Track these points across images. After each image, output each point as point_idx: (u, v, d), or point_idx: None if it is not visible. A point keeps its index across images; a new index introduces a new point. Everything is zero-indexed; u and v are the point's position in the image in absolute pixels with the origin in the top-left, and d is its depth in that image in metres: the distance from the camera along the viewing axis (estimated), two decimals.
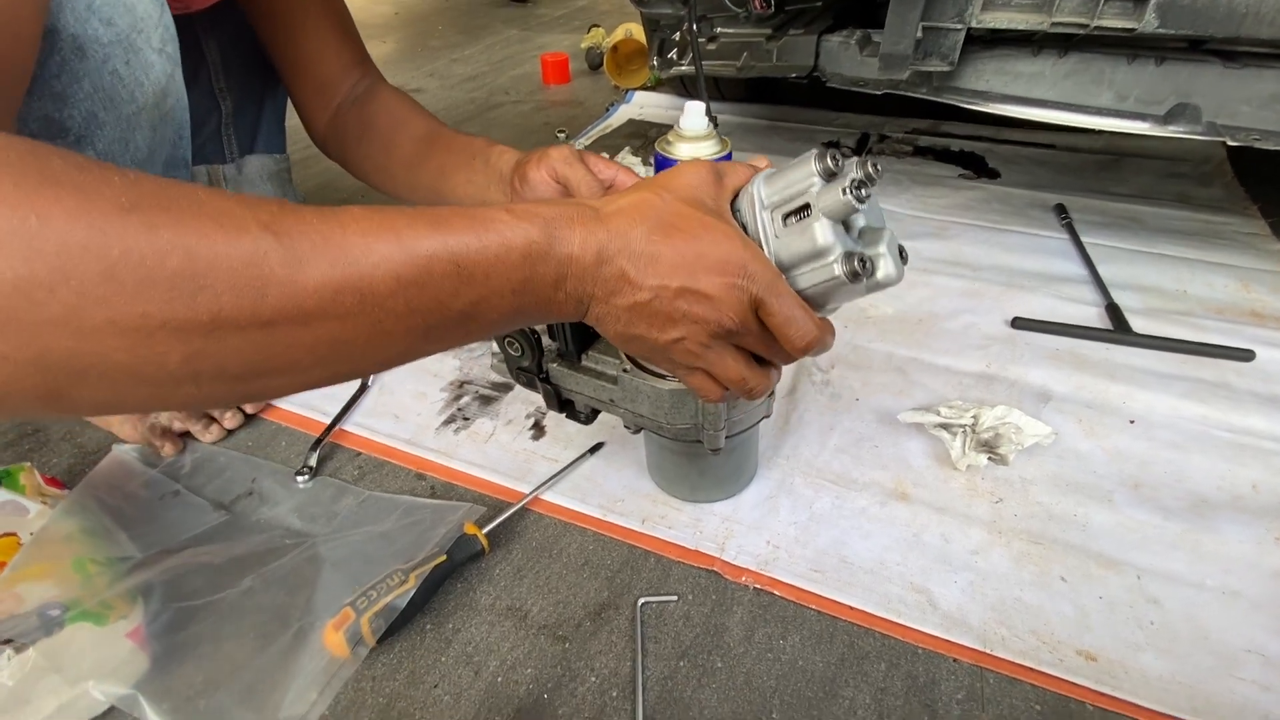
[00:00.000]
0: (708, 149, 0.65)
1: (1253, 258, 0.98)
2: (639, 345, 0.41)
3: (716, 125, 0.67)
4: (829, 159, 0.38)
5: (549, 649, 0.52)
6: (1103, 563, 0.57)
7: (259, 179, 0.86)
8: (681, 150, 0.65)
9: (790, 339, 0.39)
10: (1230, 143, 0.70)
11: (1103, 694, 0.48)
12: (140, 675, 0.48)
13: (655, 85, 1.72)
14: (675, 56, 1.05)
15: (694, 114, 0.65)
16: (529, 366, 0.56)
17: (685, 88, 1.55)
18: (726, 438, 0.53)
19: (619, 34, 1.72)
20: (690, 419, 0.52)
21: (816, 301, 0.40)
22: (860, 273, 0.37)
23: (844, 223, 0.39)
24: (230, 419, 0.72)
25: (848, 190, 0.36)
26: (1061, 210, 1.08)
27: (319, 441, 0.69)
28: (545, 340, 0.55)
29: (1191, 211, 1.10)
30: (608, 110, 1.61)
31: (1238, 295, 0.90)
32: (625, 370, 0.52)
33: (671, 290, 0.38)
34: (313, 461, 0.67)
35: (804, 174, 0.39)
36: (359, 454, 0.69)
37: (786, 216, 0.40)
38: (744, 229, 0.41)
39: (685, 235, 0.38)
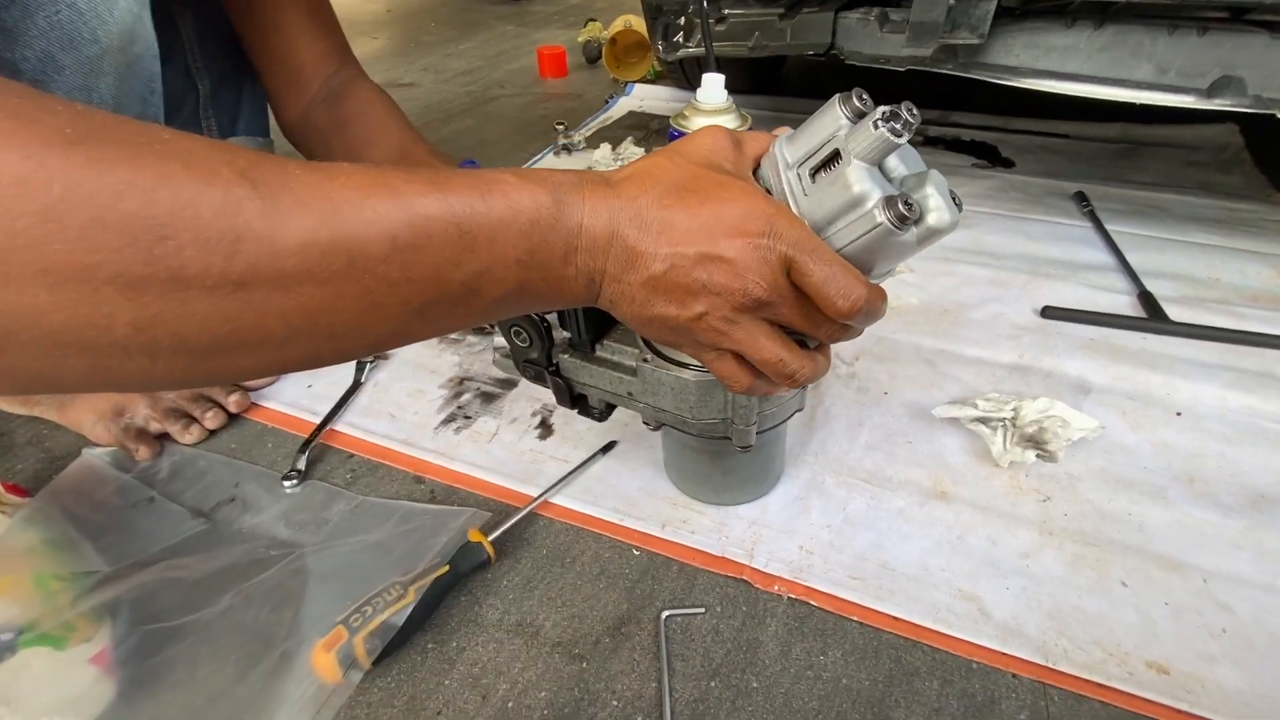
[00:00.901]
0: (727, 124, 0.60)
1: None
2: (660, 328, 0.37)
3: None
4: (856, 98, 0.34)
5: (564, 669, 0.47)
6: (1164, 565, 0.52)
7: None
8: (698, 124, 0.60)
9: (832, 301, 0.33)
10: None
11: (1180, 711, 0.43)
12: (105, 707, 0.43)
13: (655, 78, 1.68)
14: (681, 40, 1.00)
15: (712, 86, 0.61)
16: (537, 359, 0.51)
17: (686, 78, 1.51)
18: (757, 434, 0.48)
19: (617, 25, 1.67)
20: (718, 413, 0.47)
21: (860, 263, 0.35)
22: (907, 216, 0.32)
23: (881, 170, 0.34)
24: (212, 419, 0.66)
25: (880, 123, 0.31)
26: (1082, 198, 1.04)
27: (308, 443, 0.64)
28: (555, 332, 0.51)
29: (1215, 199, 1.07)
30: (607, 102, 1.56)
31: (1273, 283, 0.86)
32: (645, 360, 0.47)
33: (689, 258, 0.33)
34: (301, 464, 0.61)
35: (829, 121, 0.34)
36: (352, 456, 0.64)
37: (815, 171, 0.35)
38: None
39: (700, 196, 0.34)
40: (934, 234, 0.33)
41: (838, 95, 0.34)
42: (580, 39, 1.94)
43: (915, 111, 0.32)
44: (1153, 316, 0.78)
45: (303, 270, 0.28)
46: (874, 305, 0.34)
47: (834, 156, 0.34)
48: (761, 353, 0.36)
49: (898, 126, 0.32)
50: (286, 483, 0.60)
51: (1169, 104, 0.69)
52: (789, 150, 0.37)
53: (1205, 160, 1.21)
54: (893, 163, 0.36)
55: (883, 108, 0.32)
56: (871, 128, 0.32)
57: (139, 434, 0.64)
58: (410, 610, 0.46)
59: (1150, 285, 0.83)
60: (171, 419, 0.65)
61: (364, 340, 0.32)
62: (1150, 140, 1.28)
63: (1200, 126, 1.29)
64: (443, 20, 2.49)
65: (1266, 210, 1.03)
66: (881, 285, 0.36)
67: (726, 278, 0.33)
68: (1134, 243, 0.94)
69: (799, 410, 0.52)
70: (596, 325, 0.49)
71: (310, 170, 0.29)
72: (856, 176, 0.33)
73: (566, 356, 0.51)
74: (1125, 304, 0.82)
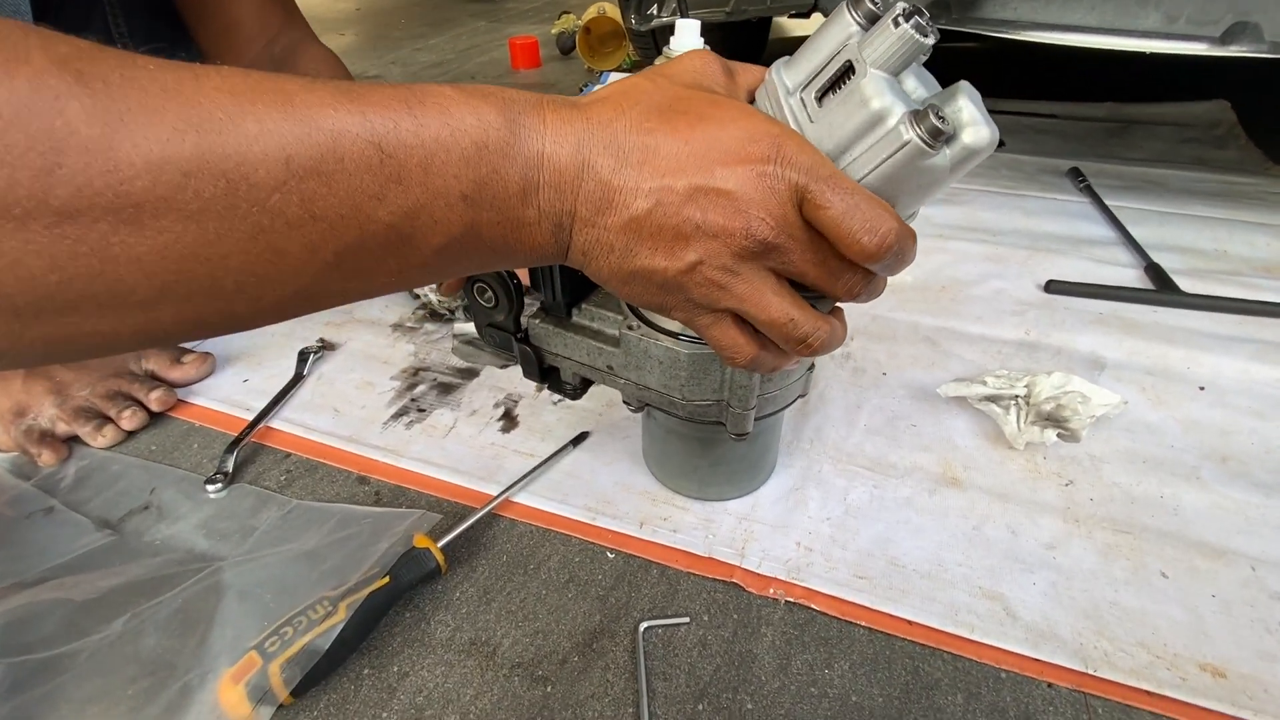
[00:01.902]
0: None
1: None
2: (645, 285, 0.30)
3: None
4: (868, 1, 0.28)
5: (525, 694, 0.39)
6: (1206, 553, 0.46)
7: None
8: None
9: (855, 237, 0.26)
10: None
11: None
12: None
13: (632, 67, 1.63)
14: (656, 11, 0.94)
15: (687, 33, 0.55)
16: (503, 322, 0.44)
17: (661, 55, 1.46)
18: (756, 419, 0.41)
19: (591, 13, 1.62)
20: (712, 394, 0.40)
21: (882, 196, 0.28)
22: (941, 130, 0.26)
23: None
24: (129, 418, 0.58)
25: (900, 19, 0.26)
26: (1077, 174, 1.00)
27: (237, 441, 0.56)
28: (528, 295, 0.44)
29: (1213, 173, 1.03)
30: (581, 90, 1.50)
31: None
32: (630, 328, 0.40)
33: (678, 192, 0.27)
34: (229, 466, 0.54)
35: (837, 30, 0.29)
36: (288, 455, 0.56)
37: (823, 93, 0.29)
38: None
39: (690, 118, 0.27)
40: (971, 155, 0.27)
41: (844, 2, 0.28)
42: (554, 30, 1.88)
43: (931, 20, 0.27)
44: (1164, 289, 0.73)
45: (159, 198, 0.21)
46: (904, 244, 0.28)
47: (846, 71, 0.28)
48: (768, 311, 0.29)
49: (922, 23, 0.26)
50: (210, 487, 0.52)
51: (1180, 52, 0.65)
52: (788, 74, 0.31)
53: (1198, 137, 1.18)
54: (911, 84, 0.29)
55: (901, 3, 0.27)
56: (891, 25, 0.26)
57: (42, 437, 0.56)
58: (340, 630, 0.39)
59: (1156, 258, 0.78)
60: (81, 420, 0.57)
61: (265, 300, 0.25)
62: (1141, 118, 1.25)
63: (1190, 104, 1.26)
64: (414, 17, 2.43)
65: (1267, 183, 1.00)
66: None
67: (725, 215, 0.27)
68: (1135, 217, 0.89)
69: (802, 396, 0.46)
70: (575, 285, 0.42)
71: (169, 67, 0.22)
72: (875, 89, 0.27)
73: (538, 322, 0.44)
74: (1133, 277, 0.77)
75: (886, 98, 0.27)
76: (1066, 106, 1.30)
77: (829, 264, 0.29)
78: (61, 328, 0.22)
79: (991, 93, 1.37)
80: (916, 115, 0.26)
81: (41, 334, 0.22)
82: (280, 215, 0.23)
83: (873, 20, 0.28)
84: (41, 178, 0.19)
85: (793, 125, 0.30)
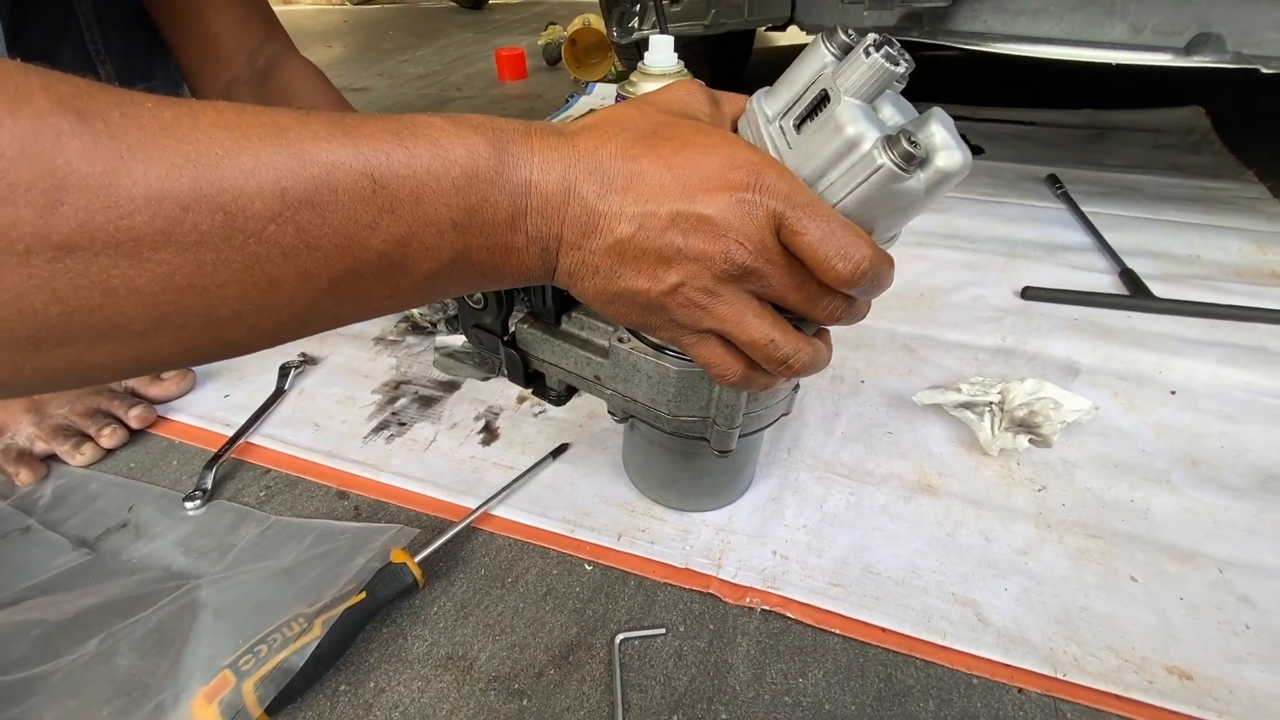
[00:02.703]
0: None
1: (1262, 221, 0.92)
2: (629, 306, 0.31)
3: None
4: (841, 32, 0.29)
5: (501, 708, 0.39)
6: (1176, 556, 0.47)
7: None
8: (647, 90, 0.54)
9: (830, 263, 0.27)
10: (1265, 70, 0.63)
11: None
12: None
13: (617, 77, 1.64)
14: (636, 25, 0.95)
15: (661, 48, 0.55)
16: (491, 325, 0.44)
17: None
18: (740, 437, 0.42)
19: (576, 24, 1.63)
20: (699, 410, 0.40)
21: (859, 222, 0.29)
22: (913, 155, 0.26)
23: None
24: (109, 436, 0.58)
25: (871, 50, 0.27)
26: (1055, 181, 1.01)
27: (217, 457, 0.56)
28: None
29: (1187, 179, 1.04)
30: (567, 101, 1.51)
31: (1254, 258, 0.84)
32: (621, 340, 0.40)
33: (660, 217, 0.28)
34: (208, 483, 0.54)
35: (813, 61, 0.30)
36: (268, 471, 0.56)
37: (801, 120, 0.30)
38: None
39: (673, 145, 0.28)
40: (945, 179, 0.28)
41: (820, 33, 0.30)
42: (540, 41, 1.90)
43: (905, 52, 0.28)
44: (1137, 294, 0.74)
45: (157, 230, 0.22)
46: (879, 270, 0.28)
47: (821, 99, 0.29)
48: (749, 332, 0.30)
49: (893, 53, 0.27)
50: (189, 504, 0.52)
51: (1146, 63, 0.66)
52: (768, 103, 0.32)
53: (1174, 143, 1.19)
54: (888, 111, 0.30)
55: (873, 35, 0.28)
56: (863, 55, 0.27)
57: (20, 456, 0.55)
58: (315, 647, 0.39)
59: (1131, 264, 0.80)
60: (60, 438, 0.57)
61: (260, 327, 0.26)
62: (1118, 125, 1.27)
63: (1166, 110, 1.28)
64: (402, 28, 2.44)
65: (1241, 188, 1.01)
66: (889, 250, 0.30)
67: (705, 240, 0.28)
68: (1110, 223, 0.90)
69: (785, 415, 0.46)
70: (564, 293, 0.43)
71: (166, 104, 0.23)
72: (849, 116, 0.28)
73: (526, 327, 0.44)
74: (1107, 283, 0.78)
75: (860, 124, 0.27)
76: (1046, 114, 1.32)
77: (808, 288, 0.29)
78: (61, 359, 0.23)
79: (972, 100, 1.40)
80: (889, 140, 0.27)
81: (41, 364, 0.23)
82: (276, 245, 0.24)
83: (846, 51, 0.29)
84: (44, 214, 0.20)
85: (772, 152, 0.31)
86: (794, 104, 0.30)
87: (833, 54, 0.29)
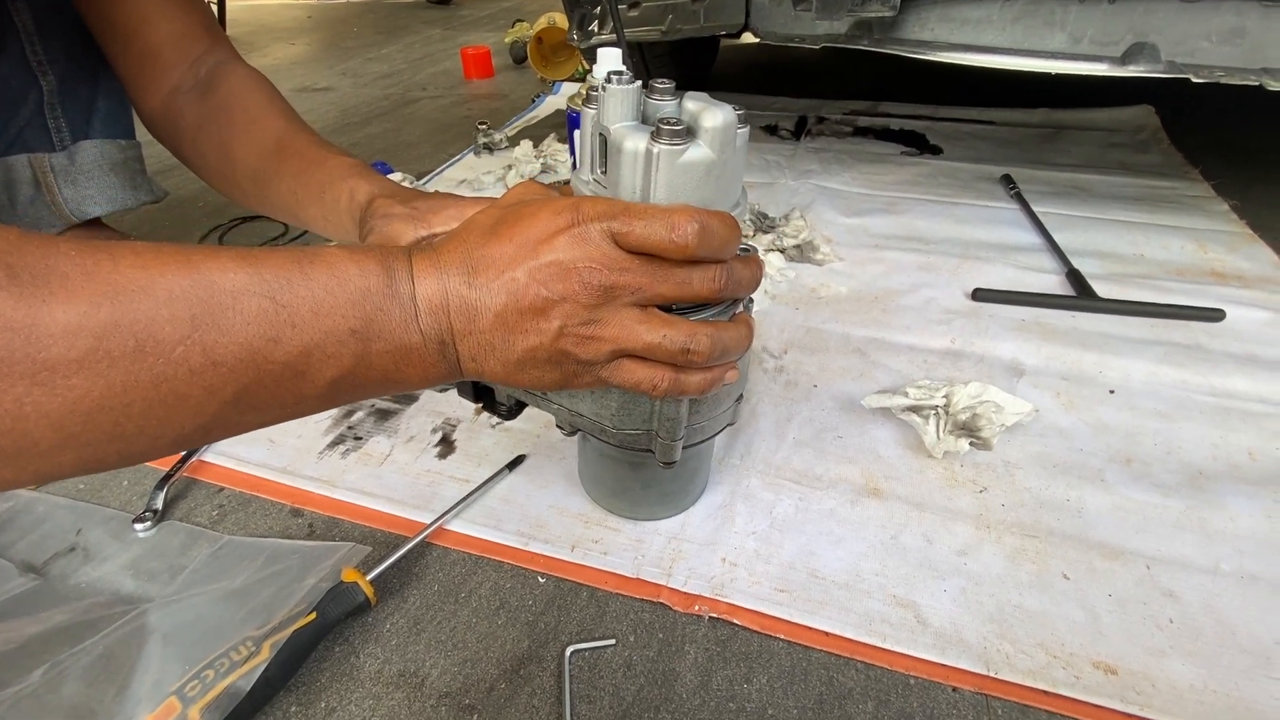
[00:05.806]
0: None
1: (1204, 219, 0.95)
2: (535, 368, 0.34)
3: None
4: (588, 91, 0.38)
5: None
6: (1106, 553, 0.49)
7: (98, 169, 0.72)
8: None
9: (663, 238, 0.31)
10: (1195, 79, 0.65)
11: (1132, 716, 0.40)
12: None
13: (584, 76, 1.63)
14: (596, 29, 0.95)
15: (609, 61, 0.56)
16: None
17: None
18: (684, 448, 0.43)
19: (542, 23, 1.62)
20: (642, 424, 0.41)
21: (686, 200, 0.34)
22: (677, 130, 0.32)
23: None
24: None
25: (604, 85, 0.34)
26: (1009, 181, 1.04)
27: (169, 477, 0.55)
28: None
29: (1135, 178, 1.08)
30: (533, 101, 1.51)
31: (1196, 256, 0.87)
32: None
33: (520, 280, 0.31)
34: (158, 503, 0.53)
35: (587, 123, 0.37)
36: (221, 489, 0.56)
37: (602, 164, 0.37)
38: None
39: (511, 224, 0.33)
40: (721, 132, 0.32)
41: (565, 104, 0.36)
42: (507, 40, 1.88)
43: (667, 80, 0.35)
44: (1081, 294, 0.77)
45: (72, 360, 0.24)
46: (708, 224, 0.31)
47: (604, 141, 0.35)
48: (641, 339, 0.33)
49: (619, 77, 0.34)
50: (139, 525, 0.52)
51: (1084, 73, 0.68)
52: (582, 171, 0.39)
53: (1124, 141, 1.23)
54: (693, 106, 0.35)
55: (608, 70, 0.36)
56: (604, 92, 0.34)
57: None
58: (264, 669, 0.39)
59: (1078, 263, 0.82)
60: None
61: (163, 439, 0.28)
62: (1071, 124, 1.30)
63: (1117, 109, 1.31)
64: (366, 25, 2.40)
65: (1185, 186, 1.04)
66: (732, 214, 0.34)
67: (562, 280, 0.31)
68: (1060, 223, 0.93)
69: (730, 425, 0.47)
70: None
71: (88, 251, 0.25)
72: (619, 134, 0.33)
73: None
74: (1055, 283, 0.81)
75: (631, 136, 0.33)
76: (1003, 113, 1.35)
77: (672, 274, 0.32)
78: None
79: (933, 100, 1.42)
80: (656, 132, 0.32)
81: None
82: (183, 364, 0.26)
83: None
84: None
85: None
86: (592, 158, 0.37)
87: (593, 107, 0.36)
